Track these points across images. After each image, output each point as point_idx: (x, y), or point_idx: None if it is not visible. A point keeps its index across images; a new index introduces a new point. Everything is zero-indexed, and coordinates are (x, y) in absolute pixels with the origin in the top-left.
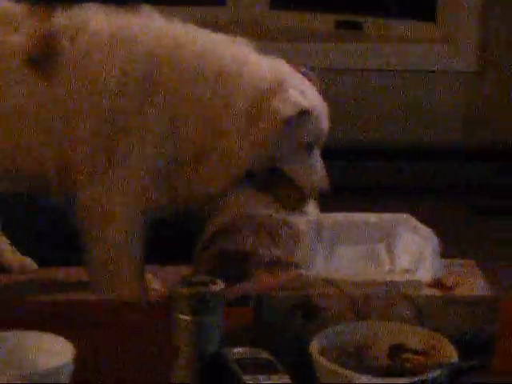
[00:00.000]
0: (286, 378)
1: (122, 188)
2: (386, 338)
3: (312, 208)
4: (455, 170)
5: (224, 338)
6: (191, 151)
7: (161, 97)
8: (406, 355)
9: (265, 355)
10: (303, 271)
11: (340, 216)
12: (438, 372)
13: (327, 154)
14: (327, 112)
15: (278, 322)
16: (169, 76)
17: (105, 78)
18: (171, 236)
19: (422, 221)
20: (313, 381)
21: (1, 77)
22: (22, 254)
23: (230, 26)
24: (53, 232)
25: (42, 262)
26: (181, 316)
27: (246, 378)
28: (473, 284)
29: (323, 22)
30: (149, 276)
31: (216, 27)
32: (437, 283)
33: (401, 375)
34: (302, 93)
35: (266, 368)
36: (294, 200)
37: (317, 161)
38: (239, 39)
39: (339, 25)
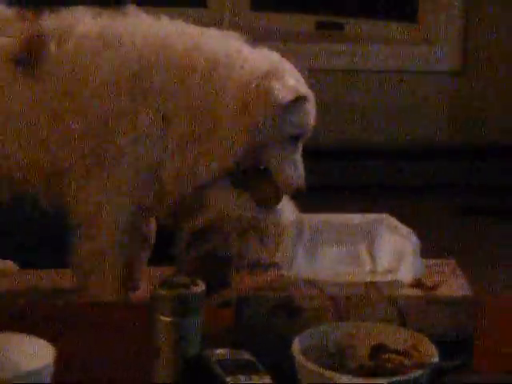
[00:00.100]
0: (268, 379)
1: (114, 190)
2: (368, 339)
3: (290, 208)
4: (438, 169)
5: (206, 339)
6: (183, 144)
7: (152, 96)
8: (387, 355)
9: (246, 356)
10: (285, 272)
11: (321, 217)
12: (419, 372)
13: (310, 154)
14: (314, 106)
15: (260, 322)
16: (159, 75)
17: (94, 79)
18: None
19: (404, 220)
20: (294, 381)
21: None
22: (4, 257)
23: (212, 27)
24: (36, 234)
25: (24, 265)
26: (161, 317)
27: (227, 379)
28: (454, 284)
29: (304, 22)
30: None
31: None
32: (418, 283)
33: (382, 375)
34: (297, 80)
35: (248, 369)
36: (269, 197)
37: (298, 157)
38: (231, 33)
39: (320, 26)
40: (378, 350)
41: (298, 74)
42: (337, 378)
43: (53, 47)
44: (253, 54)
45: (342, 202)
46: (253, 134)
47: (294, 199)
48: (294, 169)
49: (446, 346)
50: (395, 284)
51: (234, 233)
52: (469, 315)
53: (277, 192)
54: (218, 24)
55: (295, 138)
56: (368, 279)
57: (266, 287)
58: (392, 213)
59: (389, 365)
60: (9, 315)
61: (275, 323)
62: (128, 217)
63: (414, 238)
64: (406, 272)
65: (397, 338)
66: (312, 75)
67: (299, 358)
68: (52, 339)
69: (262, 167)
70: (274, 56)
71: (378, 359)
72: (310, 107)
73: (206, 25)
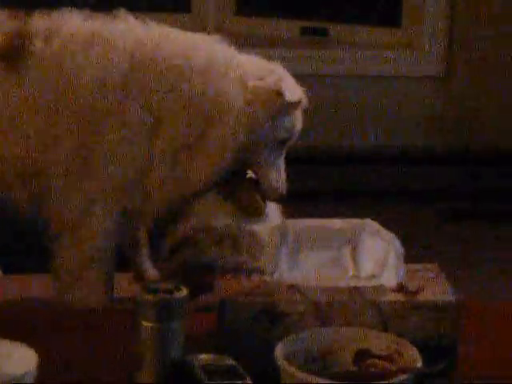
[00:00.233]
0: None
1: (100, 193)
2: (351, 344)
3: (276, 214)
4: (422, 174)
5: (189, 344)
6: (174, 147)
7: (143, 96)
8: (370, 361)
9: (229, 361)
10: (268, 277)
11: (304, 222)
12: (402, 377)
13: (294, 159)
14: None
15: (243, 327)
16: (152, 75)
17: (81, 76)
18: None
19: (389, 225)
20: None
21: None
22: None
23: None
24: (16, 239)
25: (7, 270)
26: (144, 322)
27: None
28: (437, 288)
29: (288, 28)
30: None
31: None
32: (401, 288)
33: (366, 381)
34: (293, 84)
35: (231, 374)
36: (254, 207)
37: (282, 163)
38: (217, 37)
39: (304, 31)
40: (361, 355)
41: (292, 79)
42: (320, 383)
43: (39, 43)
44: (246, 57)
45: (326, 208)
46: (249, 133)
47: (281, 204)
48: (278, 174)
49: (429, 351)
50: (378, 289)
51: (215, 243)
52: (452, 320)
53: (260, 202)
54: (202, 29)
55: (282, 143)
56: (351, 284)
57: (249, 292)
58: (377, 218)
59: (372, 370)
60: None
61: (258, 328)
62: (114, 223)
63: (397, 243)
64: (389, 277)
65: (380, 343)
66: (295, 81)
67: (282, 363)
68: (35, 344)
69: (247, 173)
70: (264, 60)
71: (362, 364)
72: (300, 113)
73: (191, 30)
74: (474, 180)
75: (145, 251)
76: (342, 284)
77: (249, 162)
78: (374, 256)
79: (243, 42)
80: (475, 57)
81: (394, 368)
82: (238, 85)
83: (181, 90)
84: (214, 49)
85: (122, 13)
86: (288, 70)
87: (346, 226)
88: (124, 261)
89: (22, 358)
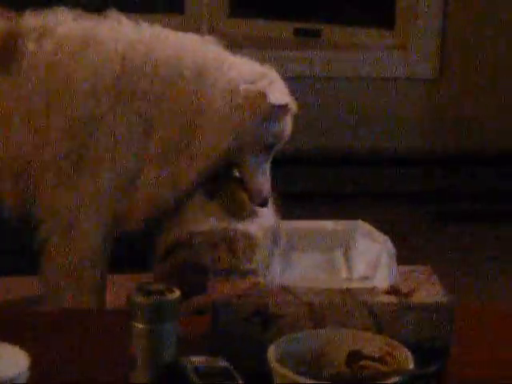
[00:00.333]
0: None
1: (91, 195)
2: (344, 346)
3: (269, 213)
4: (413, 176)
5: (182, 345)
6: (164, 150)
7: (135, 100)
8: (363, 362)
9: (222, 363)
10: (261, 279)
11: (297, 223)
12: (395, 379)
13: (287, 161)
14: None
15: (236, 329)
16: (143, 80)
17: (73, 79)
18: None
19: (380, 227)
20: None
21: None
22: None
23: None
24: (6, 239)
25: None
26: (137, 324)
27: None
28: (429, 290)
29: (282, 29)
30: None
31: None
32: (393, 290)
33: (358, 382)
34: (283, 89)
35: (224, 376)
36: (240, 207)
37: (268, 167)
38: (210, 39)
39: (298, 32)
40: (354, 356)
41: (283, 84)
42: None
43: (31, 45)
44: (238, 60)
45: (322, 210)
46: (237, 136)
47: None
48: (264, 178)
49: (421, 353)
50: (371, 291)
51: (210, 246)
52: (444, 321)
53: (246, 201)
54: (195, 31)
55: (270, 148)
56: (344, 286)
57: (242, 294)
58: (375, 220)
59: (365, 372)
60: None
61: (251, 330)
62: (105, 224)
63: (389, 245)
64: (382, 278)
65: (373, 344)
66: (289, 82)
67: (275, 365)
68: (27, 345)
69: (235, 174)
70: (257, 63)
71: (355, 366)
72: (289, 119)
73: (184, 31)
74: (472, 181)
75: None
76: (335, 285)
77: (235, 164)
78: (367, 258)
79: (236, 43)
80: (469, 58)
81: (386, 370)
82: (228, 89)
83: (171, 94)
84: (206, 51)
85: (114, 13)
86: (282, 71)
87: (339, 228)
88: (118, 261)
89: (14, 360)
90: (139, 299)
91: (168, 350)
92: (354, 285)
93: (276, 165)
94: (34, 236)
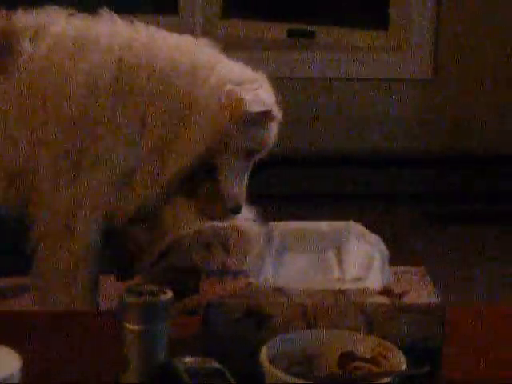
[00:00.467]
0: None
1: (86, 196)
2: (336, 347)
3: (246, 211)
4: (407, 176)
5: (174, 346)
6: (156, 147)
7: (133, 100)
8: (355, 363)
9: (215, 364)
10: (253, 280)
11: (289, 224)
12: (387, 380)
13: (280, 162)
14: (277, 125)
15: (228, 330)
16: (141, 78)
17: (70, 80)
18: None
19: (373, 228)
20: None
21: None
22: None
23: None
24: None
25: None
26: (129, 325)
27: None
28: (422, 291)
29: (276, 30)
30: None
31: None
32: (386, 291)
33: (351, 383)
34: (270, 98)
35: (215, 377)
36: (214, 208)
37: (246, 176)
38: (204, 40)
39: (292, 33)
40: (346, 357)
41: (272, 94)
42: None
43: (26, 44)
44: (231, 63)
45: (311, 210)
46: (216, 137)
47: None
48: (240, 184)
49: (414, 354)
50: (364, 292)
51: (198, 245)
52: (437, 323)
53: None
54: (189, 32)
55: (250, 154)
56: (337, 287)
57: (234, 295)
58: (361, 220)
59: (357, 373)
60: None
61: (243, 331)
62: (99, 225)
63: (382, 246)
64: (375, 279)
65: (365, 345)
66: (282, 83)
67: (267, 365)
68: (21, 346)
69: (213, 176)
70: (248, 68)
71: (347, 367)
72: (274, 127)
73: (177, 32)
74: (471, 181)
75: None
76: (328, 287)
77: (213, 166)
78: (359, 259)
79: (230, 45)
80: (464, 58)
81: (378, 370)
82: (216, 87)
83: (165, 94)
84: (201, 53)
85: (107, 13)
86: (276, 72)
87: (331, 229)
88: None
89: (5, 361)
90: (131, 300)
91: (160, 351)
92: (347, 286)
93: (274, 166)
94: (27, 236)
